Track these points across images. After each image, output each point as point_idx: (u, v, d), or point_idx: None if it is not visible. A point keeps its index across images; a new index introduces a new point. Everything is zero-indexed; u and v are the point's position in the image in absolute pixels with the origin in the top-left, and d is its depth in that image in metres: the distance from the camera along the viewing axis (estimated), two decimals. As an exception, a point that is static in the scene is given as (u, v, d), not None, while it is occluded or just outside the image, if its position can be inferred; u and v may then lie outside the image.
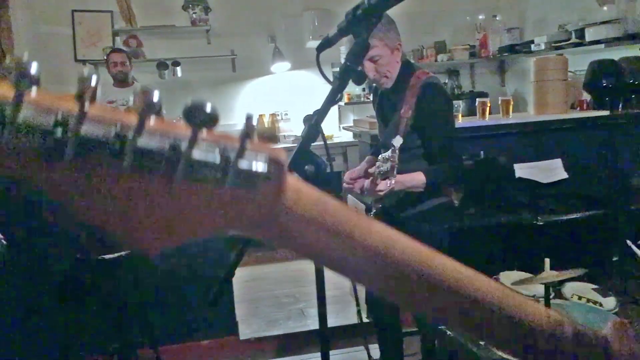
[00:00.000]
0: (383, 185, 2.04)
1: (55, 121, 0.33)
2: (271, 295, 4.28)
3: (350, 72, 1.09)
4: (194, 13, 5.76)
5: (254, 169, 0.38)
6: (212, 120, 0.36)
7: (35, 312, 3.25)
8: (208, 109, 0.36)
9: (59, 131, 0.33)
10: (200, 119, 0.36)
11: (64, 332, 3.13)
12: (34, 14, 5.64)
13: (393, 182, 2.03)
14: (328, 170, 1.13)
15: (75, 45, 5.73)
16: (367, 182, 2.15)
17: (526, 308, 0.53)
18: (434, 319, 0.52)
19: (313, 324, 3.86)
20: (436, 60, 6.18)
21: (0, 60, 5.29)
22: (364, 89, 6.11)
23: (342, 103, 6.13)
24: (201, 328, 3.51)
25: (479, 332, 0.53)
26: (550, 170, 3.54)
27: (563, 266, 2.03)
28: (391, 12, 1.46)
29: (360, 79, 1.11)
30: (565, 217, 3.35)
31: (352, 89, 6.12)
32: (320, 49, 1.17)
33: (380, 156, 2.15)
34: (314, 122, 1.13)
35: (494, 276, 2.43)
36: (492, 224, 3.31)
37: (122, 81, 4.86)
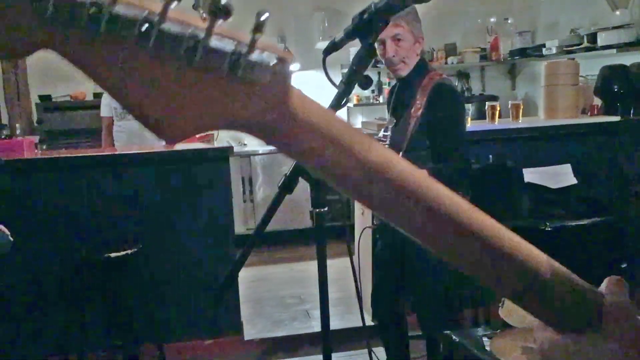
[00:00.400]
0: None
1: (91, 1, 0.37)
2: (276, 295, 4.28)
3: (356, 76, 1.08)
4: (203, 13, 5.76)
5: (263, 61, 0.41)
6: (226, 10, 0.39)
7: (40, 307, 3.26)
8: (223, 0, 0.39)
9: (93, 8, 0.37)
10: (216, 8, 0.39)
11: (68, 328, 3.14)
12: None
13: None
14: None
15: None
16: None
17: (526, 251, 0.54)
18: (426, 244, 0.52)
19: (318, 326, 3.81)
20: (446, 63, 6.16)
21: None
22: (373, 91, 6.09)
23: (351, 105, 6.12)
24: (206, 327, 3.51)
25: (475, 266, 0.54)
26: (559, 176, 3.51)
27: (571, 271, 2.01)
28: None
29: (366, 83, 1.10)
30: (574, 223, 3.32)
31: (361, 90, 6.11)
32: (326, 52, 1.15)
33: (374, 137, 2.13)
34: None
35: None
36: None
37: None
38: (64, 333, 3.21)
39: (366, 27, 1.05)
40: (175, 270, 3.42)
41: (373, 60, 1.07)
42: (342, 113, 6.11)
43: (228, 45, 0.40)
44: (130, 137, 4.84)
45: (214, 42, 0.40)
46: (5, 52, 0.38)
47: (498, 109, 3.89)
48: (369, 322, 2.88)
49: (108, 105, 4.86)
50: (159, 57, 0.39)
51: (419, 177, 0.50)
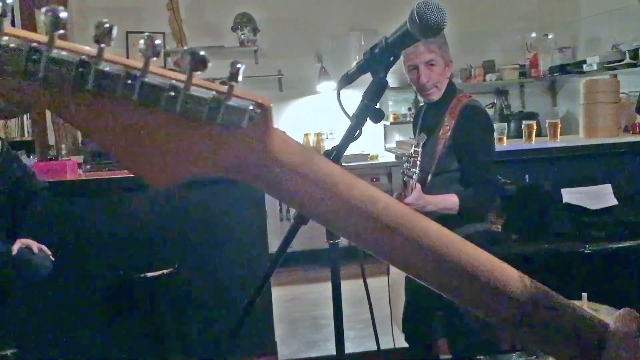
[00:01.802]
0: (410, 199, 2.01)
1: (79, 59, 0.40)
2: (309, 316, 4.27)
3: (368, 110, 1.09)
4: (242, 34, 5.88)
5: (240, 107, 0.43)
6: (204, 63, 0.42)
7: (78, 324, 3.34)
8: (201, 53, 0.42)
9: (82, 66, 0.40)
10: (194, 62, 0.42)
11: (105, 344, 3.21)
12: (90, 36, 5.86)
13: (415, 178, 2.00)
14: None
15: (128, 65, 5.93)
16: (394, 195, 2.13)
17: (499, 273, 0.55)
18: (413, 275, 0.54)
19: (351, 347, 3.82)
20: (484, 80, 6.09)
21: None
22: (409, 109, 6.08)
23: (387, 123, 6.11)
24: (240, 346, 3.53)
25: (464, 298, 0.55)
26: (599, 196, 3.42)
27: (608, 297, 1.95)
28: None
29: (378, 116, 1.11)
30: (614, 246, 3.22)
31: (398, 108, 6.10)
32: (340, 85, 1.17)
33: (405, 155, 2.13)
34: (333, 158, 1.13)
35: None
36: (535, 251, 3.21)
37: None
38: (102, 349, 3.27)
39: (378, 61, 1.06)
40: (210, 289, 3.46)
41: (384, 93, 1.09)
42: (379, 131, 6.11)
43: (206, 94, 0.43)
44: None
45: (193, 91, 0.42)
46: (3, 113, 0.42)
47: (535, 127, 3.83)
48: (403, 343, 2.86)
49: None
50: (143, 108, 0.42)
51: (404, 212, 0.51)
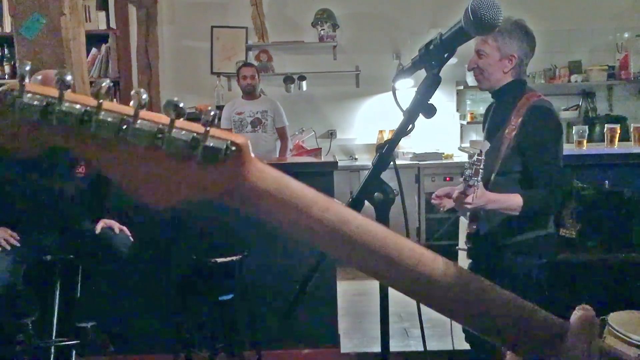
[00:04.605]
0: (471, 198, 1.99)
1: (83, 110, 0.50)
2: (375, 311, 4.25)
3: (421, 105, 1.10)
4: (322, 30, 5.95)
5: (216, 146, 0.52)
6: (182, 112, 0.52)
7: (154, 307, 3.52)
8: (180, 104, 0.51)
9: (85, 117, 0.50)
10: (175, 112, 0.51)
11: (177, 328, 3.36)
12: (178, 29, 6.13)
13: (477, 186, 1.98)
14: (396, 197, 1.14)
15: (212, 59, 6.14)
16: (455, 193, 2.10)
17: (494, 295, 0.63)
18: (390, 286, 0.61)
19: (415, 345, 3.81)
20: (569, 81, 5.87)
21: (145, 70, 5.80)
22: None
23: (464, 122, 6.01)
24: (304, 337, 3.61)
25: (443, 309, 0.63)
26: (685, 206, 3.24)
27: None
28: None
29: (430, 112, 1.12)
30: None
31: (476, 108, 5.99)
32: (395, 79, 1.19)
33: (467, 161, 2.10)
34: (385, 151, 1.15)
35: (602, 316, 2.28)
36: (612, 260, 3.09)
37: (250, 94, 5.13)
38: (173, 332, 3.43)
39: (432, 57, 1.07)
40: (277, 278, 3.55)
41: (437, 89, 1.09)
42: (454, 131, 6.02)
43: (187, 136, 0.52)
44: (246, 148, 5.09)
45: (175, 134, 0.52)
46: (21, 152, 0.51)
47: (618, 132, 3.66)
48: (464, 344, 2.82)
49: (227, 119, 5.16)
50: (135, 147, 0.51)
51: (377, 231, 0.58)
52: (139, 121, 0.51)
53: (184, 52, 6.14)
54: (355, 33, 6.08)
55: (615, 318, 2.20)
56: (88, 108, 0.50)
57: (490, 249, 2.27)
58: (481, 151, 1.98)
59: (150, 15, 5.85)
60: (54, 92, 0.50)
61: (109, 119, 0.50)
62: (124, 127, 0.50)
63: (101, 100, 0.51)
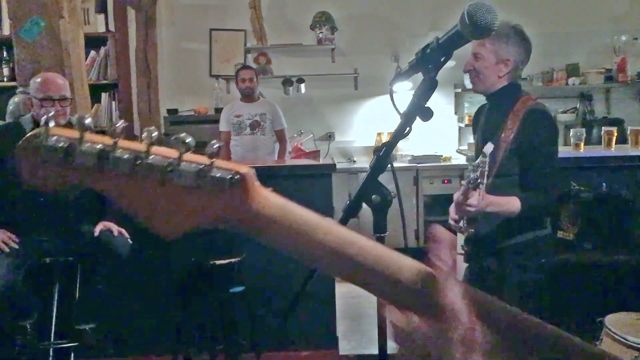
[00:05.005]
0: (474, 200, 2.00)
1: (100, 149, 0.55)
2: (373, 314, 4.27)
3: (418, 108, 1.11)
4: (320, 32, 5.96)
5: (222, 178, 0.56)
6: (189, 146, 0.56)
7: (153, 309, 3.52)
8: (187, 140, 0.56)
9: (103, 154, 0.55)
10: (184, 147, 0.56)
11: (177, 329, 3.36)
12: (176, 32, 6.14)
13: (483, 189, 1.98)
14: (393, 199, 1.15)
15: (211, 61, 6.15)
16: (457, 196, 2.11)
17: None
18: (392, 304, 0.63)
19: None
20: (567, 84, 5.88)
21: (144, 73, 5.81)
22: (486, 111, 5.96)
23: (462, 124, 6.03)
24: (302, 339, 3.61)
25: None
26: (682, 208, 3.25)
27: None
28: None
29: (426, 115, 1.13)
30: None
31: (474, 110, 5.99)
32: (392, 82, 1.20)
33: (471, 164, 2.11)
34: (382, 154, 1.17)
35: (599, 319, 2.29)
36: (609, 261, 3.10)
37: (248, 96, 5.14)
38: (172, 333, 3.43)
39: (429, 61, 1.08)
40: (275, 281, 3.55)
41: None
42: (452, 133, 6.03)
43: (194, 168, 0.56)
44: (244, 151, 5.10)
45: (184, 166, 0.56)
46: (46, 188, 0.55)
47: (615, 134, 3.67)
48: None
49: (227, 121, 5.16)
50: (148, 181, 0.55)
51: (378, 253, 0.60)
52: (151, 156, 0.55)
53: (182, 54, 6.15)
54: (353, 35, 6.09)
55: (612, 320, 2.21)
56: (106, 147, 0.54)
57: (488, 251, 2.28)
58: (485, 153, 1.99)
59: (149, 18, 5.85)
60: (75, 134, 0.54)
61: (125, 156, 0.55)
62: (138, 162, 0.55)
63: (117, 139, 0.55)
